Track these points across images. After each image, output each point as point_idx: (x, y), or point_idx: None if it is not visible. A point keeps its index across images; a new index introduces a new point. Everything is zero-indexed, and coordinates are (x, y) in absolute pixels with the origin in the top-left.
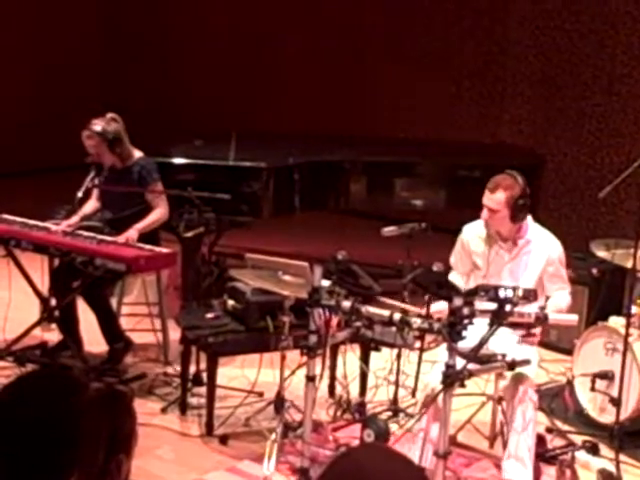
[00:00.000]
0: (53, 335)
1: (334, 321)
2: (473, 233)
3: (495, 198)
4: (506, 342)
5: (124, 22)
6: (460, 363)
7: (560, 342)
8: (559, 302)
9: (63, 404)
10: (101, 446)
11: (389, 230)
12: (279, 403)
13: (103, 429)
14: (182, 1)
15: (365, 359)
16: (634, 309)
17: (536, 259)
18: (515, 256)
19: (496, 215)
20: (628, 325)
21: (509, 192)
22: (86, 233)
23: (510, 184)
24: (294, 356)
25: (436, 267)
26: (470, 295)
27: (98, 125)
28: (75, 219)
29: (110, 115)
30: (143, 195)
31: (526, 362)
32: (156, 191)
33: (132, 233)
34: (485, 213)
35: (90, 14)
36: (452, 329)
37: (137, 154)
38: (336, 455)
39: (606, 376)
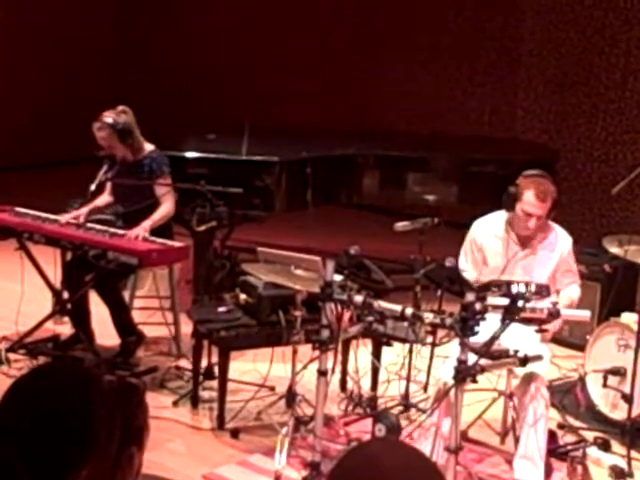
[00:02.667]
0: (65, 328)
1: (346, 316)
2: (485, 229)
3: (546, 206)
4: (519, 337)
5: (136, 18)
6: (472, 358)
7: (572, 338)
8: (571, 294)
9: (76, 397)
10: (114, 439)
11: (402, 225)
12: (291, 397)
13: (116, 422)
14: (197, 2)
15: (377, 354)
16: None
17: (552, 254)
18: (530, 253)
19: (540, 220)
20: None
21: (553, 195)
22: (99, 226)
23: (552, 187)
24: (306, 350)
25: (448, 262)
26: (482, 290)
27: (109, 117)
28: (84, 210)
29: (121, 107)
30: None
31: (538, 358)
32: (164, 184)
33: (140, 232)
34: (534, 222)
35: (102, 11)
36: (464, 324)
37: (149, 147)
38: (348, 449)
39: (618, 372)
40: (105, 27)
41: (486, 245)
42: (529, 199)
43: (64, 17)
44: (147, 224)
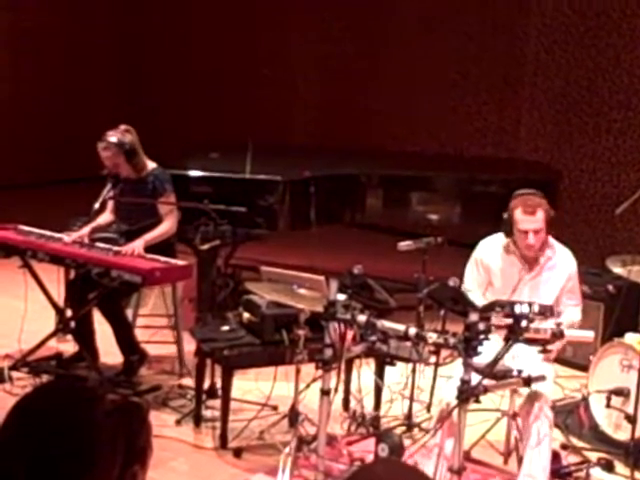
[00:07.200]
0: (69, 346)
1: (349, 335)
2: (491, 250)
3: (538, 219)
4: (523, 358)
5: (138, 38)
6: (475, 378)
7: (576, 358)
8: (573, 318)
9: (80, 416)
10: (117, 458)
11: (405, 244)
12: (293, 416)
13: (119, 441)
14: (199, 19)
15: (380, 373)
16: None
17: (558, 274)
18: (537, 274)
19: (539, 235)
20: None
21: (544, 207)
22: (102, 245)
23: (540, 200)
24: (309, 369)
25: (452, 282)
26: (486, 310)
27: (114, 136)
28: (86, 230)
29: (123, 127)
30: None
31: (542, 378)
32: (167, 203)
33: (138, 245)
34: (532, 238)
35: (108, 31)
36: (468, 344)
37: (151, 165)
38: (352, 470)
39: (622, 393)
40: (109, 48)
41: (493, 266)
42: (519, 216)
43: (69, 38)
44: (141, 242)
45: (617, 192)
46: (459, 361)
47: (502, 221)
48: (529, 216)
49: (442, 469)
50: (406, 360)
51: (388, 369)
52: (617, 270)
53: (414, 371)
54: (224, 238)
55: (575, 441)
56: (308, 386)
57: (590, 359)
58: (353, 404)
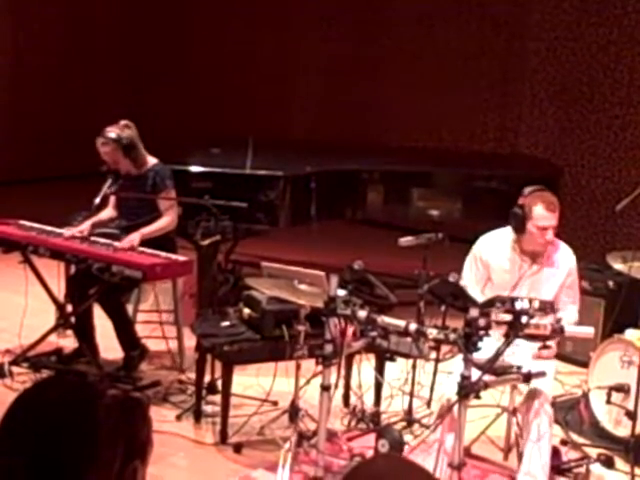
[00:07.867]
0: (69, 342)
1: (350, 331)
2: (491, 246)
3: (557, 216)
4: (523, 354)
5: (140, 34)
6: (476, 374)
7: (576, 354)
8: (569, 317)
9: (80, 411)
10: (118, 453)
11: (406, 240)
12: (294, 412)
13: (120, 436)
14: (200, 15)
15: (380, 369)
16: None
17: (559, 271)
18: (539, 270)
19: (555, 232)
20: None
21: (558, 205)
22: (103, 240)
23: (555, 198)
24: (309, 365)
25: (452, 278)
26: (486, 306)
27: (112, 132)
28: (87, 224)
29: (123, 122)
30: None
31: (542, 374)
32: (167, 198)
33: (134, 238)
34: (550, 234)
35: (110, 30)
36: (468, 340)
37: (152, 161)
38: (353, 465)
39: (622, 389)
40: (110, 44)
41: (492, 262)
42: (541, 213)
43: (70, 35)
44: (137, 235)
45: (617, 188)
46: (459, 357)
47: (510, 216)
48: (551, 213)
49: (442, 465)
50: (406, 356)
51: (388, 365)
52: (617, 266)
53: (414, 367)
54: (225, 233)
55: (575, 437)
56: (308, 382)
57: (590, 355)
58: (353, 400)
